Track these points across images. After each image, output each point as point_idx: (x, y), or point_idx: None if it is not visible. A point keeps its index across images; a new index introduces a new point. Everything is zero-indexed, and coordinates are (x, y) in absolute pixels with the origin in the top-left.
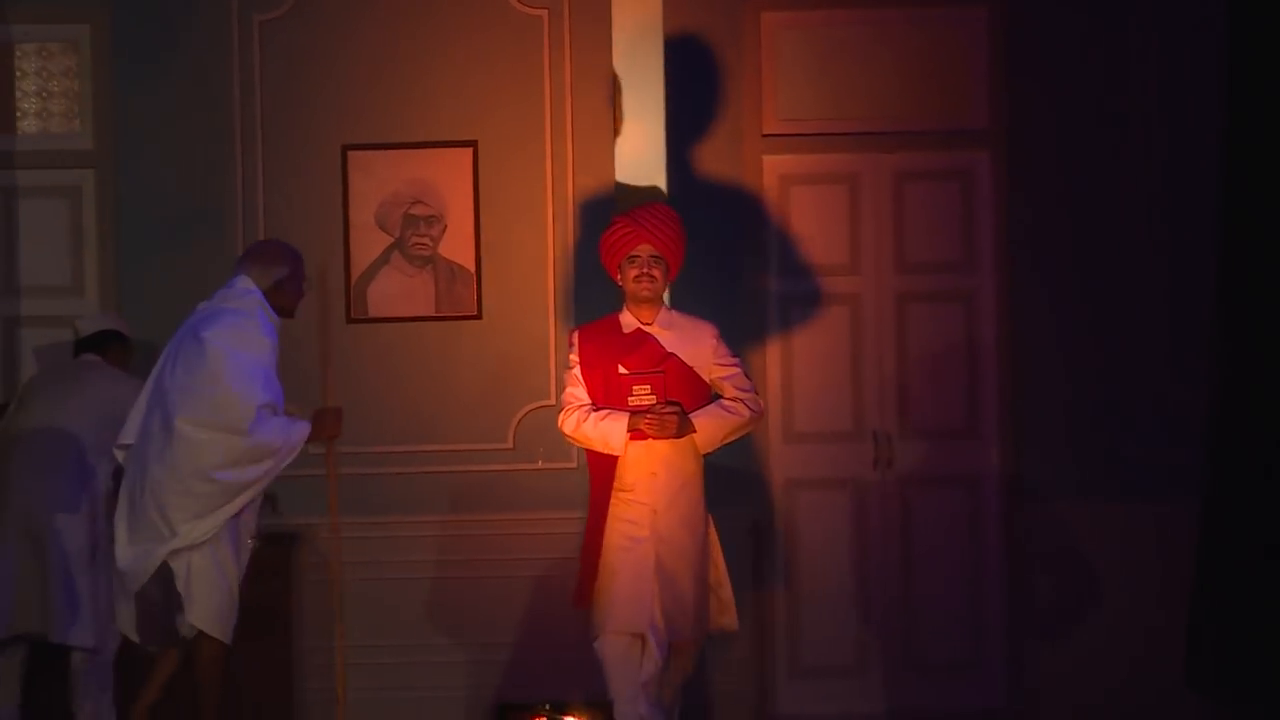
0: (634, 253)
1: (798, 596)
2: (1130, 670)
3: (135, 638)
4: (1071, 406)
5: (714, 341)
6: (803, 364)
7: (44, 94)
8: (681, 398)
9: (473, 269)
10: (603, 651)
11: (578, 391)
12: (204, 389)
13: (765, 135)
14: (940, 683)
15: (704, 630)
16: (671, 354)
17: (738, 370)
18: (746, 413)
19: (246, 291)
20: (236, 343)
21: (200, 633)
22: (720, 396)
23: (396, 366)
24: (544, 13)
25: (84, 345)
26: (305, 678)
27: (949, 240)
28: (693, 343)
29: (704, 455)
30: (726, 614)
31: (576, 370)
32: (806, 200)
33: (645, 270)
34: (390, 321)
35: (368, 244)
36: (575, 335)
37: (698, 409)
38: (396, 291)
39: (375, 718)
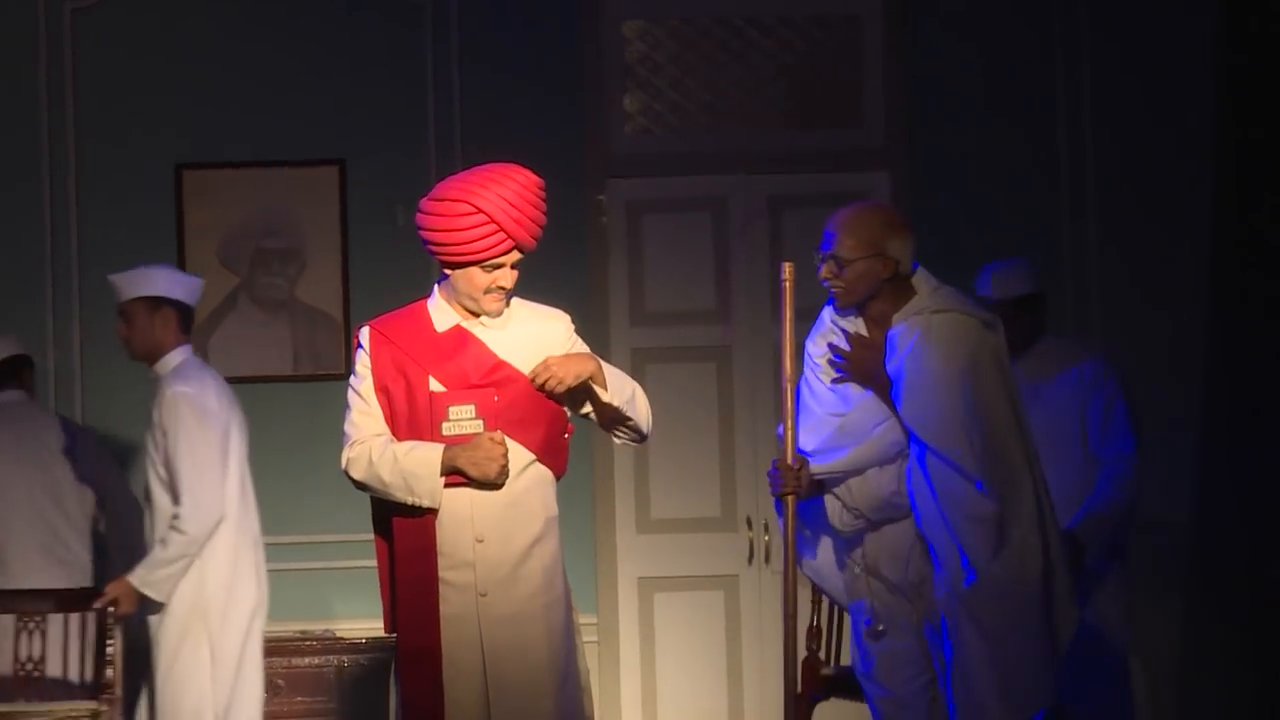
0: (498, 261)
1: None
2: None
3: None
4: None
5: (568, 340)
6: (660, 436)
7: None
8: (520, 425)
9: (339, 316)
10: None
11: (365, 419)
12: None
13: (610, 153)
14: None
15: None
16: (506, 361)
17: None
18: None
19: None
20: None
21: None
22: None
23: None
24: None
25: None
26: None
27: None
28: (537, 343)
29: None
30: None
31: (366, 385)
32: (662, 231)
33: (504, 284)
34: (236, 383)
35: (208, 285)
36: (364, 333)
37: (547, 436)
38: (244, 345)
39: None
